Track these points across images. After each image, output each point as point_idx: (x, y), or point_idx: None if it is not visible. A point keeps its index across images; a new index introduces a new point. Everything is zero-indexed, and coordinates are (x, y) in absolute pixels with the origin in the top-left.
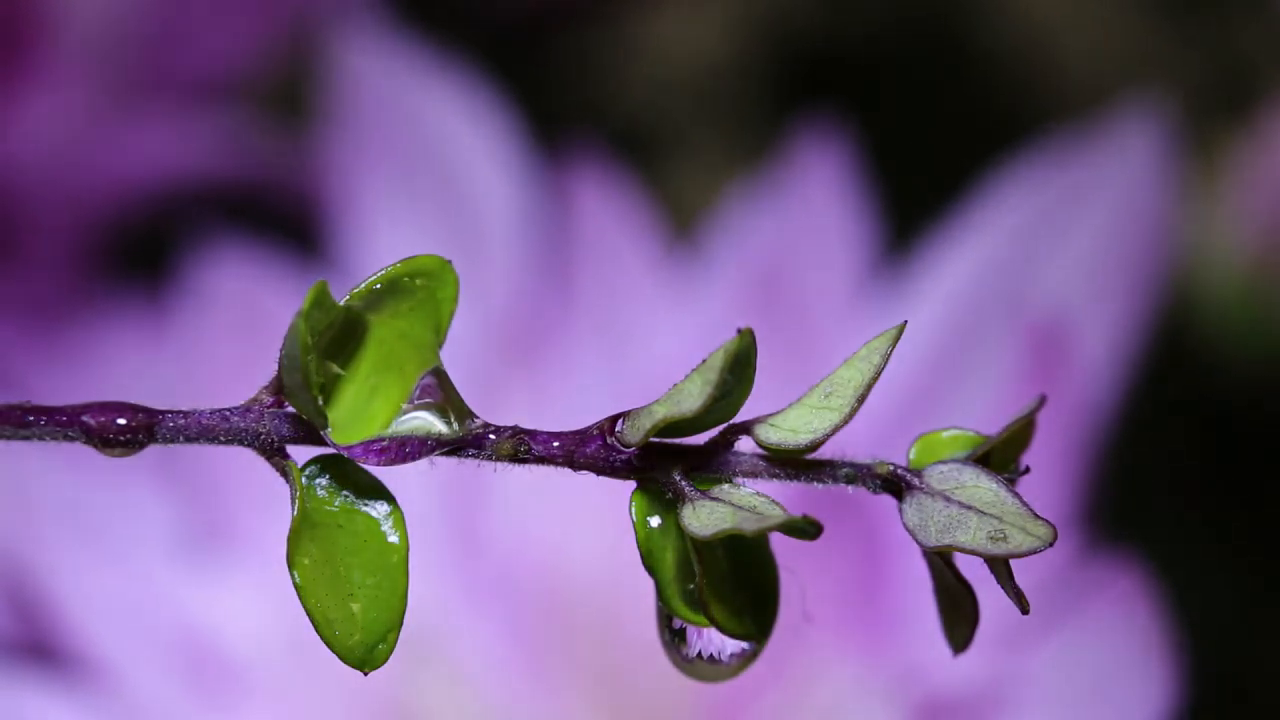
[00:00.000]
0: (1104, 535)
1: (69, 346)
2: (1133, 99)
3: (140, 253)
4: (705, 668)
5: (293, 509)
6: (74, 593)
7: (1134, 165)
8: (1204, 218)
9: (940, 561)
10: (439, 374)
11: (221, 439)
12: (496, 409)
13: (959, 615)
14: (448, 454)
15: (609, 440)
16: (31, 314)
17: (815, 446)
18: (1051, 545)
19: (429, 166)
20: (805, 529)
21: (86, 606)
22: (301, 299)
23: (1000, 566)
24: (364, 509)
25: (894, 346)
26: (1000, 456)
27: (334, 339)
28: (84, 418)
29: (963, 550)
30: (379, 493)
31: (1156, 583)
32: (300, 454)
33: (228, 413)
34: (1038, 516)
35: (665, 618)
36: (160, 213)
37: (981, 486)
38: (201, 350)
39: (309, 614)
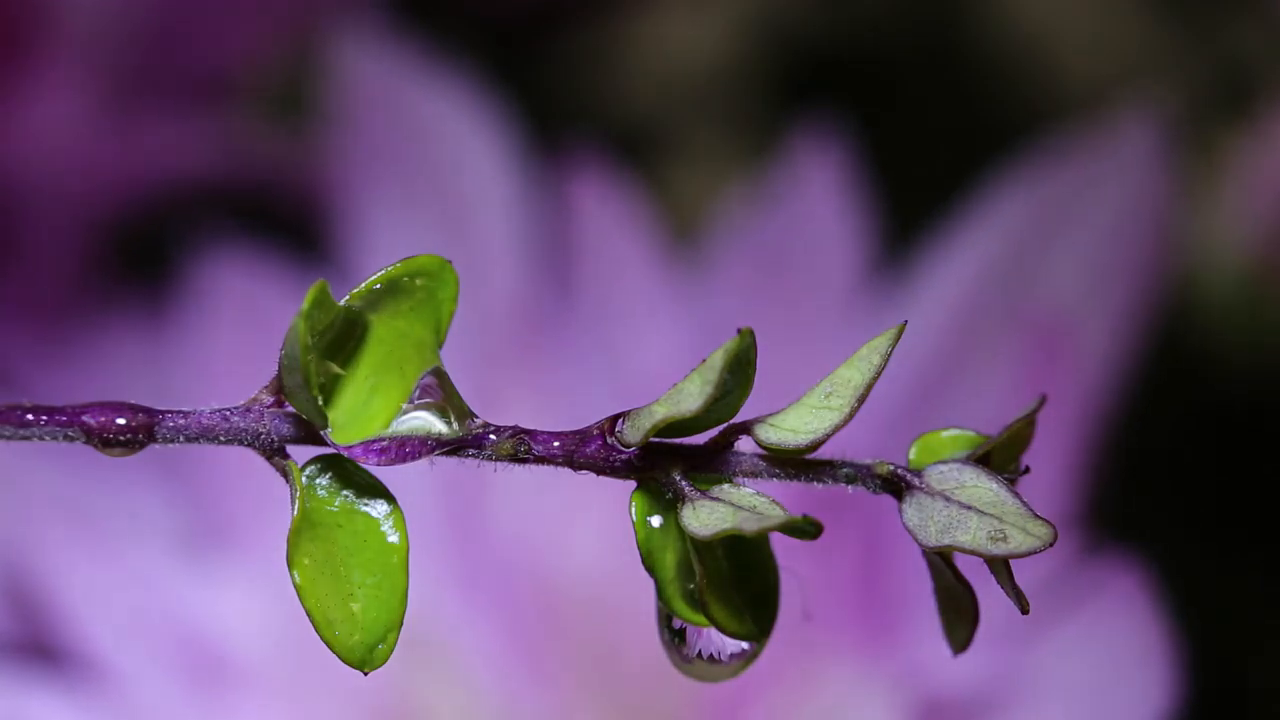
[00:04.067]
0: (1104, 535)
1: (69, 346)
2: (1133, 99)
3: (140, 253)
4: (705, 668)
5: (293, 509)
6: (74, 592)
7: (1134, 165)
8: (1204, 218)
9: (940, 561)
10: (439, 374)
11: (221, 439)
12: (496, 409)
13: (959, 615)
14: (448, 454)
15: (609, 440)
16: (32, 314)
17: (815, 446)
18: (1051, 545)
19: (429, 166)
20: (805, 529)
21: (86, 606)
22: (301, 299)
23: (1000, 566)
24: (364, 509)
25: (894, 346)
26: (1000, 456)
27: (334, 339)
28: (84, 418)
29: (963, 550)
30: (379, 493)
31: (1157, 583)
32: (300, 454)
33: (228, 413)
34: (1038, 516)
35: (665, 618)
36: (160, 213)
37: (981, 486)
38: (201, 350)
39: (309, 614)
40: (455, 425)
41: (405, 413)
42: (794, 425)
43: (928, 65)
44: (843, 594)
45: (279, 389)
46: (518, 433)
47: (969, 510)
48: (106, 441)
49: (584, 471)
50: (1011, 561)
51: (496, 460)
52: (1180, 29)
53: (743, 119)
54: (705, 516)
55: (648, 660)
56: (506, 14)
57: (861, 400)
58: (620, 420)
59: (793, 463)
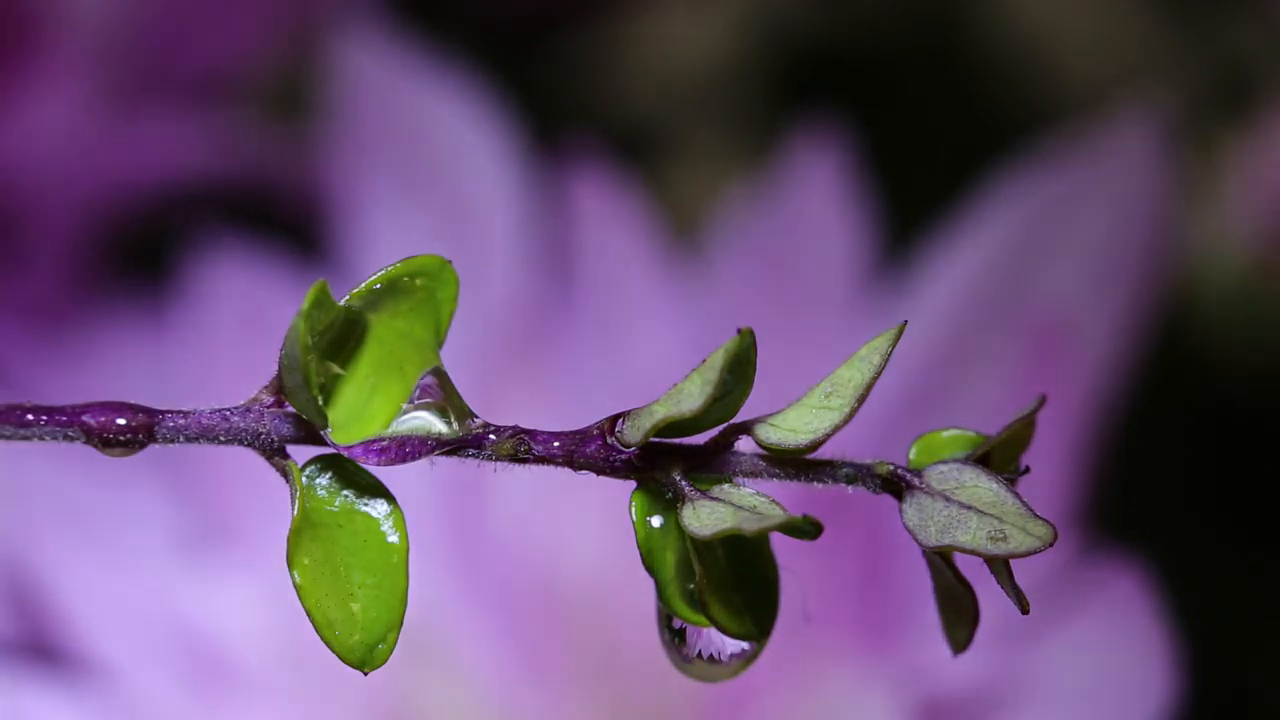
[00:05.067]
0: (1104, 535)
1: (69, 346)
2: (1132, 99)
3: (140, 253)
4: (705, 668)
5: (293, 509)
6: (74, 592)
7: (1134, 165)
8: (1204, 218)
9: (940, 561)
10: (439, 374)
11: (221, 439)
12: (496, 409)
13: (959, 615)
14: (448, 454)
15: (609, 440)
16: (32, 314)
17: (815, 446)
18: (1051, 545)
19: (429, 166)
20: (805, 529)
21: (86, 606)
22: (301, 299)
23: (1000, 566)
24: (364, 509)
25: (894, 346)
26: (1000, 456)
27: (334, 339)
28: (84, 418)
29: (963, 550)
30: (379, 493)
31: (1156, 582)
32: (300, 454)
33: (228, 413)
34: (1038, 516)
35: (665, 618)
36: (160, 213)
37: (981, 486)
38: (201, 350)
39: (309, 614)
40: (455, 425)
41: (405, 413)
42: (794, 425)
43: (928, 65)
44: (843, 594)
45: (279, 389)
46: (518, 433)
47: (969, 510)
48: (106, 441)
49: (584, 471)
50: (1011, 561)
51: (496, 460)
52: (1180, 29)
53: (743, 119)
54: (705, 516)
55: (648, 660)
56: (506, 14)
57: (861, 400)
58: (620, 420)
59: (793, 463)
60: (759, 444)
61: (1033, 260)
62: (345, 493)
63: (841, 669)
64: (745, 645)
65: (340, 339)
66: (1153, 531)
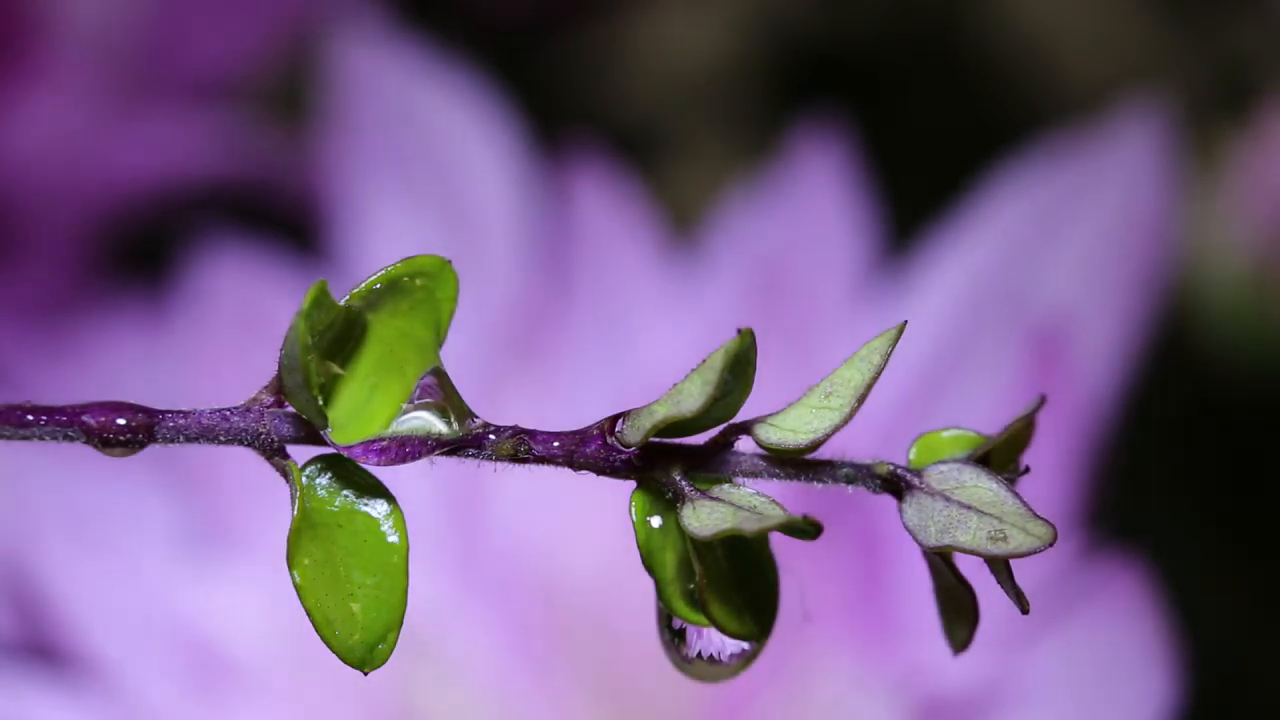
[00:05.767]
0: (1104, 535)
1: (69, 346)
2: (1133, 99)
3: (140, 253)
4: (705, 668)
5: (293, 509)
6: (74, 592)
7: (1134, 165)
8: (1204, 218)
9: (940, 561)
10: (439, 374)
11: (221, 439)
12: (496, 409)
13: (959, 615)
14: (448, 454)
15: (609, 440)
16: (32, 314)
17: (815, 446)
18: (1051, 545)
19: (429, 166)
20: (805, 529)
21: (87, 606)
22: (301, 299)
23: (1000, 566)
24: (364, 509)
25: (894, 346)
26: (1000, 456)
27: (334, 339)
28: (84, 418)
29: (963, 550)
30: (379, 493)
31: (1157, 582)
32: (300, 454)
33: (228, 413)
34: (1038, 516)
35: (665, 618)
36: (160, 213)
37: (981, 486)
38: (201, 350)
39: (309, 614)
40: (455, 425)
41: (405, 413)
42: (794, 425)
43: (928, 65)
44: (843, 594)
45: (279, 389)
46: (518, 433)
47: (969, 510)
48: (106, 441)
49: (584, 471)
50: (1011, 561)
51: (496, 460)
52: (1180, 29)
53: (743, 119)
54: (705, 516)
55: (648, 660)
56: (506, 14)
57: (861, 400)
58: (620, 420)
59: (793, 463)
60: (759, 444)
61: (1032, 260)
62: (345, 493)
63: (841, 669)
64: (745, 645)
65: (340, 339)
66: (1153, 531)
